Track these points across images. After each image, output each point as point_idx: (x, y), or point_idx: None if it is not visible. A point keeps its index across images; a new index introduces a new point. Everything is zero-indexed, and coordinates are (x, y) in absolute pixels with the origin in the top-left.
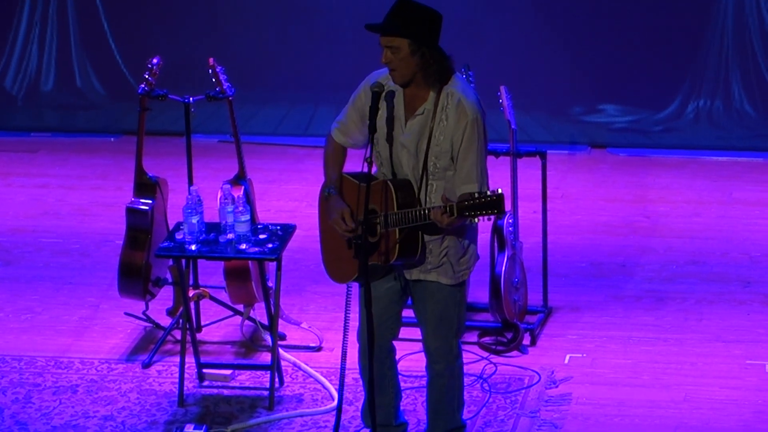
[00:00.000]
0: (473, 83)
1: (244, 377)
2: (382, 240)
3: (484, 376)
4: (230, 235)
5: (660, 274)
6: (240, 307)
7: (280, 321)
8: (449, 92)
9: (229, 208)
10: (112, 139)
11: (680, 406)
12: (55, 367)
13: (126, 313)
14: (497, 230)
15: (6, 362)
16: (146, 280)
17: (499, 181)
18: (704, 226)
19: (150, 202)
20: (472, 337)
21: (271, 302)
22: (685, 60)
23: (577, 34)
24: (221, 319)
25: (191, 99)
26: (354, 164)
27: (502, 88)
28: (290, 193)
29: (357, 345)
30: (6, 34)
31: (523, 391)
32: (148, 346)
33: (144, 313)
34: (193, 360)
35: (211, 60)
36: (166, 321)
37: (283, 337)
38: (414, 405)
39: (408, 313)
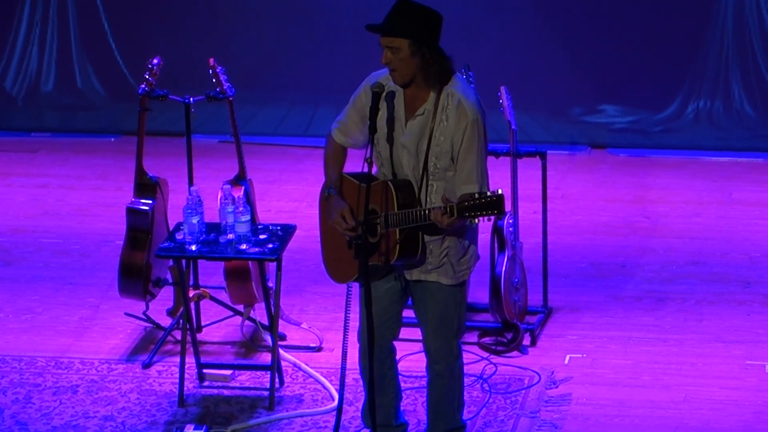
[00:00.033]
0: (473, 84)
1: (245, 377)
2: (383, 240)
3: (485, 376)
4: (230, 236)
5: (660, 274)
6: (240, 308)
7: (281, 321)
8: (449, 93)
9: (230, 209)
10: (113, 139)
11: (680, 407)
12: (56, 367)
13: (126, 314)
14: (497, 230)
15: (6, 362)
16: (146, 281)
17: (499, 182)
18: (704, 226)
19: (150, 202)
20: (472, 337)
21: (272, 302)
22: (685, 60)
23: (577, 35)
24: (221, 319)
25: (191, 99)
26: (354, 164)
27: (502, 88)
28: (290, 194)
29: (357, 345)
30: (6, 34)
31: (523, 391)
32: (148, 346)
33: (144, 313)
34: (193, 360)
35: (211, 60)
36: (166, 321)
37: (283, 338)
38: (414, 405)
39: (408, 313)
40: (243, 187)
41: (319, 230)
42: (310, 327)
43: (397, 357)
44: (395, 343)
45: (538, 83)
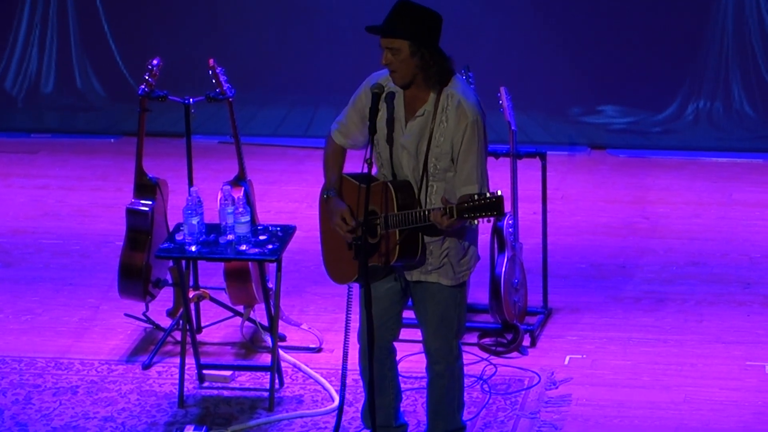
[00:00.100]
0: (473, 84)
1: (244, 378)
2: (383, 241)
3: (484, 377)
4: (230, 236)
5: (660, 275)
6: (240, 309)
7: (280, 322)
8: (449, 94)
9: (229, 209)
10: (112, 140)
11: (680, 407)
12: (55, 368)
13: (126, 314)
14: (497, 231)
15: (6, 363)
16: (146, 281)
17: (499, 183)
18: (704, 227)
19: (150, 203)
20: (472, 338)
21: (271, 303)
22: (684, 60)
23: (577, 35)
24: (221, 320)
25: (191, 100)
26: (354, 165)
27: (502, 89)
28: (290, 195)
29: (357, 346)
30: (6, 35)
31: (523, 392)
32: (148, 347)
33: (144, 314)
34: (193, 361)
35: (211, 61)
36: (166, 322)
37: (283, 338)
38: (414, 406)
39: (408, 314)
40: (243, 188)
41: (318, 231)
42: (309, 328)
43: (397, 358)
44: (395, 343)
45: (538, 84)
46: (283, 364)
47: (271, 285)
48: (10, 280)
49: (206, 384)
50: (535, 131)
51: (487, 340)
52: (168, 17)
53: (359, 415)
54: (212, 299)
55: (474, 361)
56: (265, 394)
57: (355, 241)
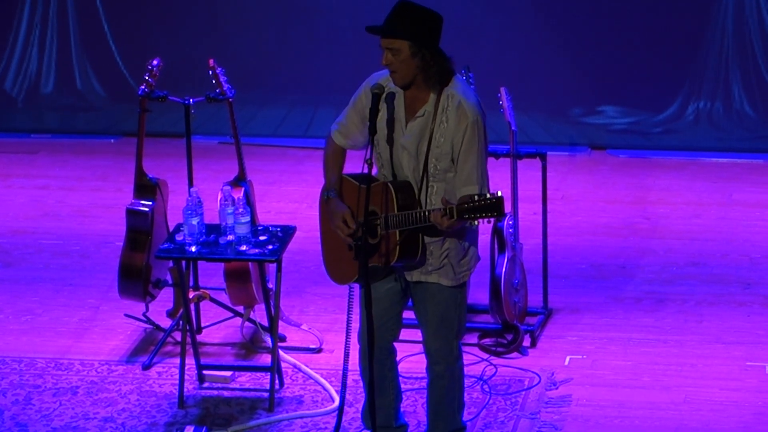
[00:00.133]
0: (473, 85)
1: (244, 379)
2: (383, 241)
3: (485, 377)
4: (230, 237)
5: (660, 275)
6: (240, 309)
7: (280, 322)
8: (449, 94)
9: (229, 210)
10: (112, 140)
11: (680, 408)
12: (55, 368)
13: (126, 315)
14: (497, 232)
15: (6, 364)
16: (146, 282)
17: (499, 183)
18: (704, 227)
19: (150, 203)
20: (473, 338)
21: (271, 304)
22: (685, 61)
23: (577, 35)
24: (221, 320)
25: (191, 100)
26: (354, 165)
27: (502, 89)
28: (290, 195)
29: (357, 346)
30: (6, 35)
31: (524, 392)
32: (148, 347)
33: (144, 314)
34: (193, 361)
35: (211, 61)
36: (166, 322)
37: (283, 339)
38: (414, 407)
39: (408, 314)
40: (243, 189)
41: (318, 231)
42: (310, 328)
43: (398, 358)
44: (395, 344)
45: (538, 84)
46: (283, 364)
47: (271, 285)
48: (10, 280)
49: (206, 384)
50: (535, 131)
51: (487, 341)
52: (168, 17)
53: (359, 415)
54: (212, 300)
55: (474, 361)
56: (266, 394)
57: (355, 241)
